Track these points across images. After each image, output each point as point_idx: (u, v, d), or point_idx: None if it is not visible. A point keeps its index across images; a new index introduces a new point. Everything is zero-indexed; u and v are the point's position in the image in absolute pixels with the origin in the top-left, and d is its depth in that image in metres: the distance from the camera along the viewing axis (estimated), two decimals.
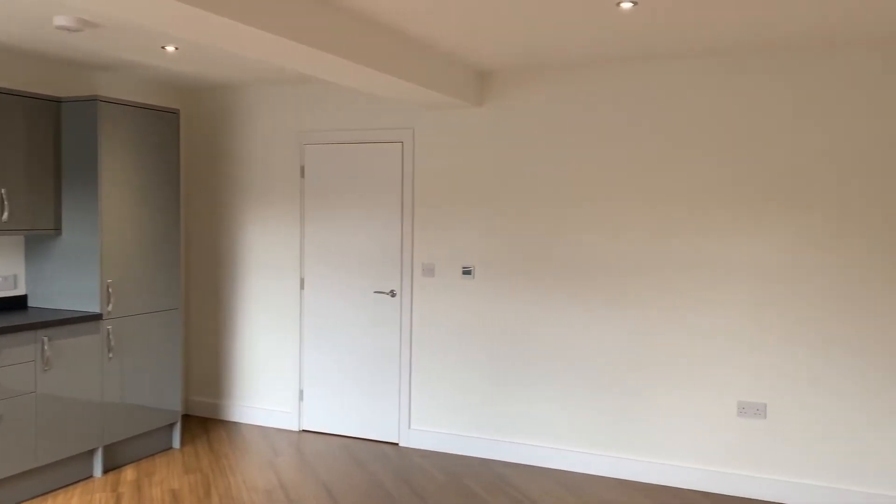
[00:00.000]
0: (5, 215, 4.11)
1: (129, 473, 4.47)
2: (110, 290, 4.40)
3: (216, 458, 4.77)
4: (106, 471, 4.48)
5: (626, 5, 3.15)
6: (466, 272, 4.87)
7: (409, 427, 5.07)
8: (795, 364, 4.10)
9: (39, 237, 4.48)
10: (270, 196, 5.46)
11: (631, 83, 4.41)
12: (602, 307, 4.52)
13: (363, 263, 5.17)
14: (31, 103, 4.24)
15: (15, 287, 4.50)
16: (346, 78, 3.85)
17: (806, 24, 3.45)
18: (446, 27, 3.60)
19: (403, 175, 5.03)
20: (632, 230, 4.44)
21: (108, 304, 4.39)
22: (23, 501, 4.00)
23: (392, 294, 5.09)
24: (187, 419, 5.67)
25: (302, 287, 5.38)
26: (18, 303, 4.49)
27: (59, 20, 3.52)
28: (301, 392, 5.41)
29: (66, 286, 4.41)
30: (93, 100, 4.30)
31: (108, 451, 4.50)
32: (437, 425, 5.00)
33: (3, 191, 4.11)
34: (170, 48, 4.18)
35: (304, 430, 5.41)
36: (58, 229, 4.41)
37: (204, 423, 5.56)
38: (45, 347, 4.02)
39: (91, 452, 4.39)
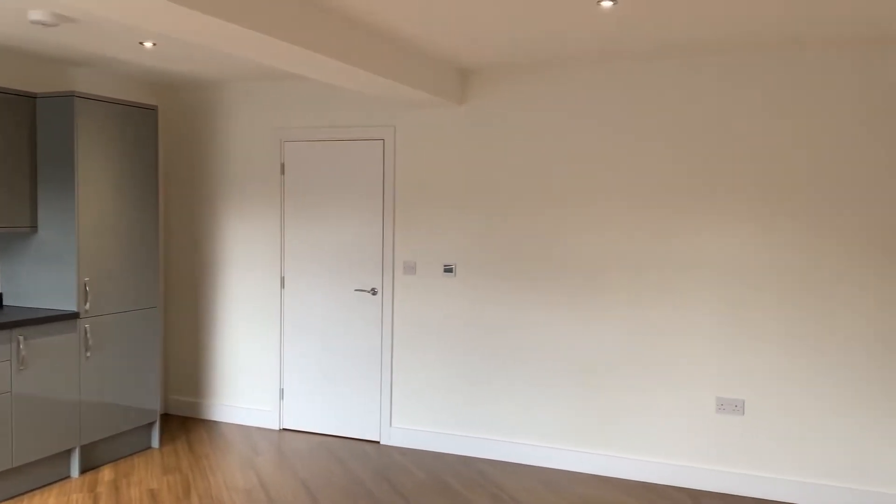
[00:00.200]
0: None
1: (106, 473, 4.43)
2: (87, 288, 4.35)
3: (196, 458, 4.74)
4: (83, 471, 4.43)
5: (607, 4, 3.16)
6: (448, 270, 4.87)
7: (390, 425, 5.07)
8: (772, 361, 4.14)
9: (15, 235, 4.42)
10: (250, 193, 5.43)
11: (612, 82, 4.43)
12: (582, 305, 4.54)
13: (344, 261, 5.16)
14: (5, 99, 4.18)
15: None
16: (327, 75, 3.83)
17: (796, 24, 3.49)
18: (427, 25, 3.59)
19: (384, 173, 5.02)
20: (611, 228, 4.46)
21: (85, 303, 4.34)
22: None
23: (373, 292, 5.08)
24: (166, 418, 5.63)
25: (282, 285, 5.35)
26: None
27: (34, 15, 3.47)
28: (281, 390, 5.38)
29: (43, 284, 4.35)
30: (69, 95, 4.25)
31: (86, 451, 4.45)
32: (418, 423, 5.00)
33: None
34: (148, 44, 4.13)
35: (284, 429, 5.39)
36: (33, 227, 4.35)
37: (183, 423, 5.52)
38: (21, 346, 3.97)
39: (68, 452, 4.34)
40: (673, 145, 4.31)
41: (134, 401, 4.70)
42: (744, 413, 4.21)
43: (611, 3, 3.14)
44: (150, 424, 4.91)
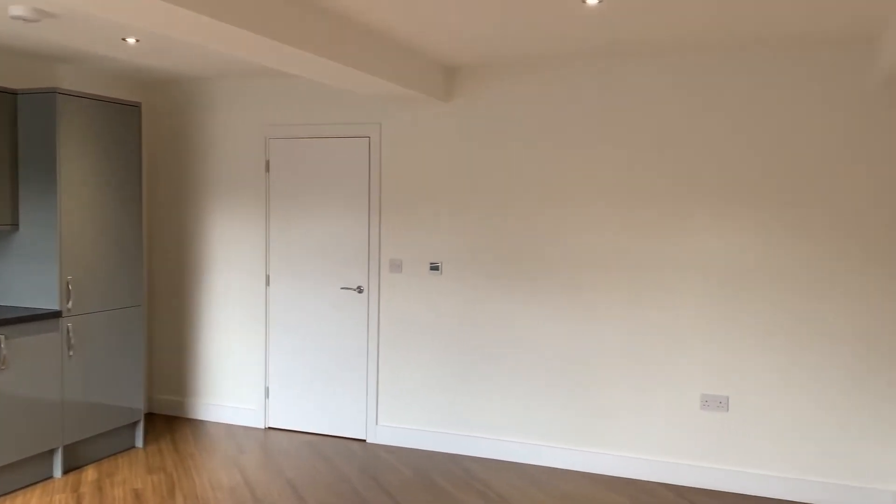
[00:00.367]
0: None
1: (90, 473, 4.39)
2: (70, 286, 4.31)
3: (180, 457, 4.71)
4: (66, 471, 4.39)
5: (592, 2, 3.17)
6: (434, 268, 4.87)
7: (377, 423, 5.06)
8: (756, 358, 4.17)
9: None
10: (235, 191, 5.40)
11: (599, 80, 4.44)
12: (567, 304, 4.55)
13: (330, 259, 5.14)
14: None
15: None
16: (312, 72, 3.82)
17: (789, 22, 3.51)
18: (413, 23, 3.59)
19: (370, 170, 5.01)
20: (598, 227, 4.47)
21: (67, 301, 4.30)
22: None
23: (359, 290, 5.07)
24: (151, 418, 5.59)
25: (267, 283, 5.33)
26: None
27: (15, 10, 3.43)
28: (267, 389, 5.36)
29: (24, 283, 4.31)
30: (51, 92, 4.20)
31: (69, 451, 4.41)
32: (405, 421, 4.99)
33: None
34: (130, 40, 4.10)
35: (270, 428, 5.36)
36: (14, 224, 4.30)
37: (168, 422, 5.49)
38: (2, 346, 3.93)
39: (51, 452, 4.30)
40: (659, 146, 4.32)
41: (117, 400, 4.67)
42: (728, 410, 4.23)
43: (596, 0, 3.15)
44: (134, 424, 4.88)
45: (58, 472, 4.31)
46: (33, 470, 4.20)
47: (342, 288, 5.12)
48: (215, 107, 5.44)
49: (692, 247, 4.27)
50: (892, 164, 3.90)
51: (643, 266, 4.38)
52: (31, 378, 4.10)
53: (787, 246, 4.09)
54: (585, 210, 4.49)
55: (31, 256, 4.28)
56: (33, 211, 4.27)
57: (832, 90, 3.98)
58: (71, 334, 4.33)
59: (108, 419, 4.60)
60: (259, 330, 5.35)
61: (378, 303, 5.02)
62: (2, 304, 4.37)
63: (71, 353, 4.34)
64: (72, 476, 4.34)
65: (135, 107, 4.71)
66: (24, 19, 3.51)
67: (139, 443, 4.89)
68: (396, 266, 4.96)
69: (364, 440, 5.10)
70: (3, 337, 3.93)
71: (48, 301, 4.26)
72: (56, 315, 4.21)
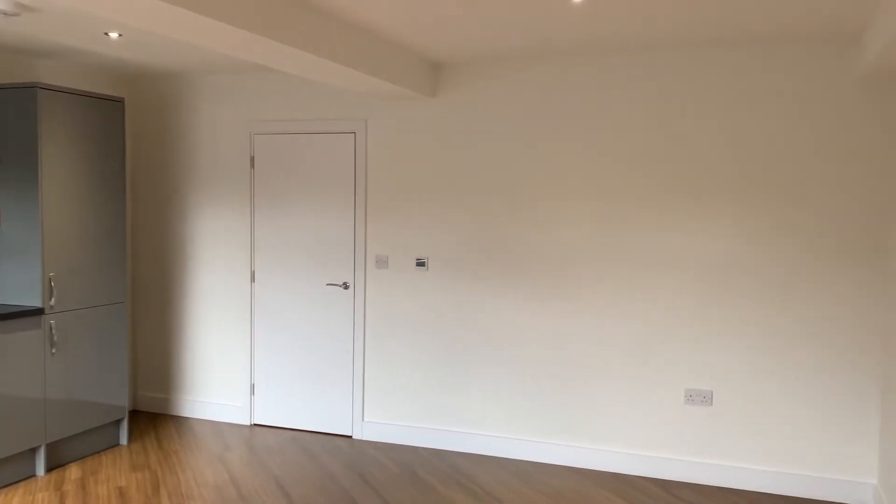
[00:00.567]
0: None
1: (73, 471, 4.36)
2: (53, 283, 4.27)
3: (165, 455, 4.69)
4: (49, 469, 4.36)
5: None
6: (420, 264, 4.87)
7: (363, 419, 5.06)
8: (740, 353, 4.20)
9: None
10: (219, 187, 5.36)
11: (584, 76, 4.45)
12: (554, 299, 4.56)
13: (315, 255, 5.12)
14: None
15: None
16: (297, 68, 3.80)
17: (780, 19, 3.53)
18: (399, 18, 3.58)
19: (356, 166, 4.99)
20: (583, 224, 4.49)
21: (50, 298, 4.26)
22: None
23: (345, 286, 5.06)
24: (135, 415, 5.55)
25: (253, 280, 5.30)
26: None
27: None
28: (252, 386, 5.34)
29: (6, 280, 4.27)
30: (32, 87, 4.16)
31: (52, 448, 4.37)
32: (391, 417, 4.99)
33: None
34: (113, 34, 4.06)
35: (255, 425, 5.35)
36: None
37: (153, 419, 5.45)
38: None
39: (33, 451, 4.27)
40: (645, 142, 4.34)
41: (101, 397, 4.63)
42: (712, 404, 4.27)
43: None
44: (118, 421, 4.84)
45: (41, 470, 4.28)
46: (15, 468, 4.16)
47: (328, 284, 5.10)
48: (200, 102, 5.40)
49: (675, 243, 4.30)
50: (870, 161, 3.94)
51: (627, 262, 4.40)
52: (13, 375, 4.06)
53: (767, 242, 4.13)
54: (571, 205, 4.51)
55: (13, 253, 4.24)
56: (15, 207, 4.22)
57: (810, 87, 4.01)
58: (54, 331, 4.29)
59: (91, 417, 4.57)
60: (244, 326, 5.33)
61: (364, 299, 5.01)
62: None
63: (54, 350, 4.30)
64: (55, 474, 4.31)
65: (118, 102, 4.67)
66: (4, 13, 3.46)
67: (123, 440, 4.86)
68: (382, 262, 4.96)
69: (350, 436, 5.10)
70: None
71: (30, 298, 4.22)
72: (38, 312, 4.17)
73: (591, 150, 4.45)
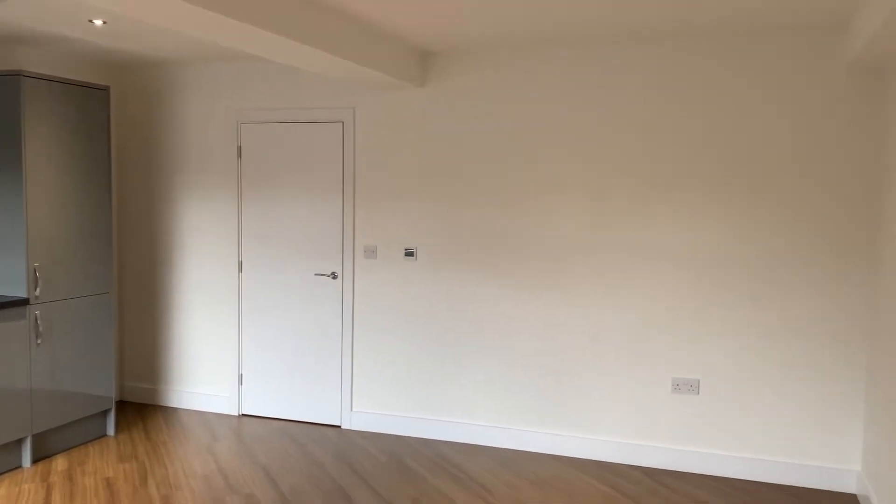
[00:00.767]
0: None
1: (60, 463, 4.34)
2: (38, 273, 4.23)
3: (153, 445, 4.67)
4: (35, 460, 4.34)
5: None
6: (409, 254, 4.86)
7: (351, 409, 5.06)
8: (726, 343, 4.23)
9: None
10: (206, 177, 5.33)
11: (574, 67, 4.44)
12: (541, 289, 4.57)
13: (303, 245, 5.11)
14: None
15: None
16: (284, 56, 3.77)
17: (776, 10, 3.54)
18: (387, 6, 3.55)
19: (344, 156, 4.98)
20: (571, 214, 4.50)
21: (35, 289, 4.23)
22: None
23: (333, 276, 5.05)
24: (122, 405, 5.53)
25: (240, 270, 5.28)
26: None
27: None
28: (240, 376, 5.33)
29: None
30: (16, 74, 4.11)
31: (38, 440, 4.35)
32: (379, 407, 5.00)
33: None
34: (98, 22, 4.01)
35: (244, 415, 5.34)
36: None
37: (140, 410, 5.44)
38: None
39: (19, 442, 4.24)
40: (633, 134, 4.35)
41: (88, 388, 4.61)
42: (699, 393, 4.30)
43: None
44: (105, 412, 4.82)
45: (27, 461, 4.26)
46: (1, 459, 4.14)
47: (316, 274, 5.09)
48: (186, 91, 5.36)
49: (662, 234, 4.32)
50: (855, 154, 3.96)
51: (618, 253, 4.41)
52: None
53: (752, 235, 4.15)
54: (559, 196, 4.51)
55: None
56: None
57: (793, 78, 4.03)
58: (39, 322, 4.26)
59: (78, 407, 4.55)
60: (232, 316, 5.31)
61: (352, 289, 5.00)
62: None
63: (39, 340, 4.27)
64: (41, 465, 4.29)
65: (103, 90, 4.63)
66: None
67: (110, 431, 4.84)
68: (371, 252, 4.95)
69: (339, 426, 5.11)
70: None
71: (15, 288, 4.19)
72: (23, 303, 4.14)
73: (581, 141, 4.46)
